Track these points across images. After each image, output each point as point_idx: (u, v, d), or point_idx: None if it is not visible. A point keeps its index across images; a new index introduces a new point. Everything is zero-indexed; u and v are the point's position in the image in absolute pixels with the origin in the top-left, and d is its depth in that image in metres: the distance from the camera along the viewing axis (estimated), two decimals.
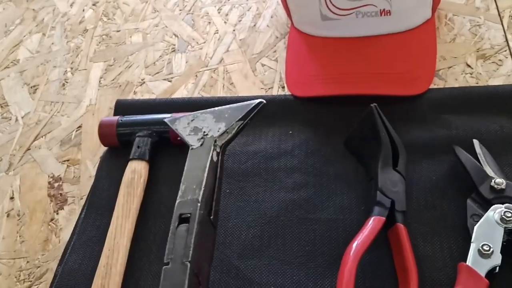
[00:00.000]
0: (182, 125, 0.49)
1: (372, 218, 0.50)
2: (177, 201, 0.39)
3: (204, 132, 0.45)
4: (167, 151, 0.63)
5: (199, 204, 0.37)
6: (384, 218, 0.50)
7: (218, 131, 0.45)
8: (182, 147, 0.62)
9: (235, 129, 0.47)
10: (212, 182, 0.39)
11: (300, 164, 0.60)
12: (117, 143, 0.64)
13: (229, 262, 0.53)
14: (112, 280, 0.51)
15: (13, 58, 0.84)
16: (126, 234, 0.55)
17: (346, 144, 0.60)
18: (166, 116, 0.63)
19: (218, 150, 0.42)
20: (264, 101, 0.51)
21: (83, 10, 0.90)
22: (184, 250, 0.35)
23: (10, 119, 0.75)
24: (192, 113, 0.51)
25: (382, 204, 0.51)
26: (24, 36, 0.88)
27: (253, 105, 0.47)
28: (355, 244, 0.48)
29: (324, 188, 0.57)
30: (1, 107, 0.77)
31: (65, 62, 0.82)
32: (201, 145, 0.43)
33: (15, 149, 0.71)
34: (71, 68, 0.80)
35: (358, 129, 0.57)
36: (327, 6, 0.64)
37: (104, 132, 0.64)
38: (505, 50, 0.67)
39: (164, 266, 0.37)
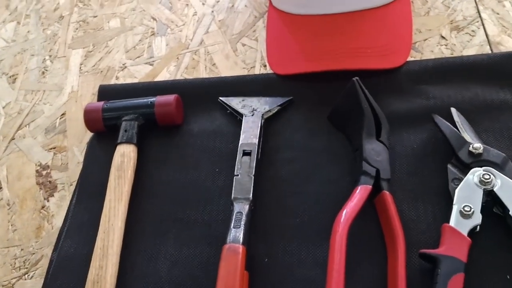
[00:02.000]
0: (235, 102, 0.64)
1: (359, 187, 0.52)
2: (240, 143, 0.59)
3: (253, 108, 0.63)
4: (154, 134, 0.64)
5: (256, 146, 0.59)
6: (370, 187, 0.52)
7: (264, 109, 0.63)
8: (169, 129, 0.63)
9: (274, 110, 0.63)
10: (260, 136, 0.60)
11: (285, 141, 0.61)
12: (104, 128, 0.64)
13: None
14: (109, 261, 0.53)
15: None
16: (120, 216, 0.56)
17: (330, 118, 0.61)
18: (151, 99, 0.64)
19: (263, 120, 0.62)
20: (292, 98, 0.64)
21: None
22: (248, 169, 0.56)
23: None
24: (241, 97, 0.65)
25: (368, 173, 0.53)
26: None
27: (287, 99, 0.64)
28: (344, 213, 0.50)
29: (310, 162, 0.59)
30: None
31: (43, 50, 0.81)
32: (252, 115, 0.62)
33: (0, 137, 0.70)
34: (50, 56, 0.80)
35: (341, 103, 0.59)
36: None
37: (90, 117, 0.64)
38: (477, 21, 0.69)
39: (235, 176, 0.56)
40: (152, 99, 0.64)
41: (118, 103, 0.65)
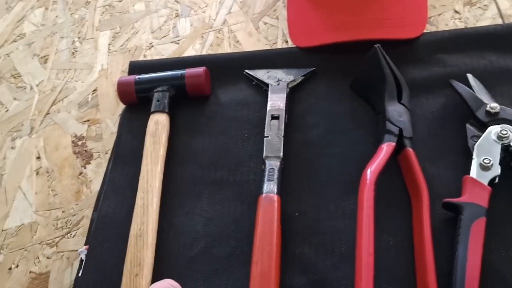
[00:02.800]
0: (260, 74, 0.68)
1: (384, 145, 0.55)
2: (268, 109, 0.63)
3: (278, 79, 0.66)
4: (184, 104, 0.67)
5: (283, 111, 0.62)
6: (394, 144, 0.55)
7: (289, 79, 0.66)
8: (199, 100, 0.67)
9: (299, 80, 0.67)
10: (287, 104, 0.63)
11: (310, 108, 0.65)
12: (136, 100, 0.68)
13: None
14: (150, 217, 0.56)
15: (19, 32, 0.87)
16: (157, 178, 0.59)
17: (352, 86, 0.65)
18: (181, 72, 0.67)
19: (288, 89, 0.65)
20: (315, 69, 0.67)
21: None
22: (278, 131, 0.60)
23: (25, 88, 0.78)
24: (266, 69, 0.68)
25: (391, 132, 0.56)
26: (27, 11, 0.90)
27: (310, 70, 0.67)
28: (370, 168, 0.53)
29: (335, 127, 0.62)
30: (14, 77, 0.80)
31: (71, 33, 0.84)
32: (278, 85, 0.65)
33: (34, 114, 0.74)
34: (79, 38, 0.83)
35: (364, 69, 0.62)
36: None
37: (123, 90, 0.68)
38: None
39: (265, 138, 0.60)
40: (182, 72, 0.67)
41: (149, 75, 0.68)
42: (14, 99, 0.76)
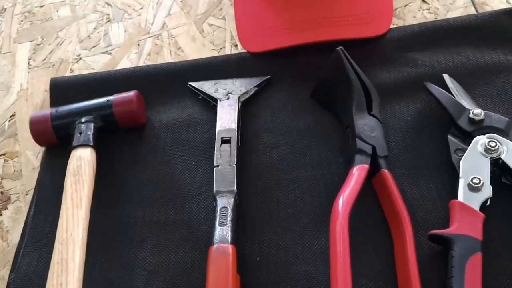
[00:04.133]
0: (207, 86, 0.58)
1: (355, 168, 0.46)
2: (217, 129, 0.53)
3: (228, 91, 0.57)
4: (115, 135, 0.56)
5: (235, 132, 0.53)
6: (367, 166, 0.47)
7: (240, 91, 0.57)
8: (131, 131, 0.56)
9: (252, 92, 0.58)
10: (239, 121, 0.54)
11: (266, 124, 0.55)
12: (56, 140, 0.56)
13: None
14: (70, 276, 0.45)
15: None
16: (80, 224, 0.48)
17: (314, 96, 0.56)
18: (109, 98, 0.56)
19: (240, 103, 0.56)
20: (270, 77, 0.58)
21: None
22: (230, 158, 0.51)
23: None
24: (213, 80, 0.59)
25: (363, 151, 0.47)
26: None
27: (265, 78, 0.58)
28: (342, 197, 0.44)
29: (297, 145, 0.53)
30: None
31: None
32: (228, 99, 0.56)
33: None
34: None
35: (326, 76, 0.53)
36: None
37: (38, 129, 0.56)
38: None
39: (215, 167, 0.50)
40: (109, 98, 0.56)
41: (70, 107, 0.56)
42: None
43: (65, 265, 0.45)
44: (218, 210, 0.45)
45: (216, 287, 0.40)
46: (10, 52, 0.70)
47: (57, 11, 0.74)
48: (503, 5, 0.61)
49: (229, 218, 0.44)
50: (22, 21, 0.74)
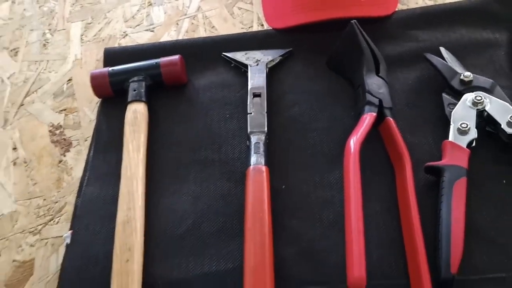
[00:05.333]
0: (239, 56, 0.68)
1: (365, 115, 0.57)
2: (249, 88, 0.63)
3: (257, 59, 0.67)
4: (162, 93, 0.66)
5: (265, 89, 0.63)
6: (375, 114, 0.57)
7: (267, 59, 0.67)
8: (176, 88, 0.66)
9: (277, 60, 0.68)
10: (266, 83, 0.65)
11: (289, 87, 0.65)
12: (112, 93, 0.66)
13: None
14: (136, 203, 0.55)
15: None
16: (140, 164, 0.58)
17: (329, 64, 0.66)
18: (156, 61, 0.66)
19: (267, 69, 0.66)
20: (292, 49, 0.69)
21: None
22: (260, 108, 0.61)
23: None
24: (243, 51, 0.69)
25: (372, 103, 0.58)
26: None
27: (287, 50, 0.68)
28: (354, 138, 0.54)
29: (314, 103, 0.63)
30: None
31: (41, 25, 0.83)
32: (257, 65, 0.66)
33: (7, 106, 0.72)
34: (49, 30, 0.82)
35: (340, 46, 0.64)
36: None
37: (97, 83, 0.66)
38: None
39: (249, 115, 0.60)
40: (157, 61, 0.66)
41: (124, 66, 0.67)
42: None
43: (131, 195, 0.55)
44: (252, 144, 0.56)
45: (254, 198, 0.50)
46: (64, 29, 0.81)
47: None
48: None
49: (261, 149, 0.54)
50: (73, 4, 0.85)
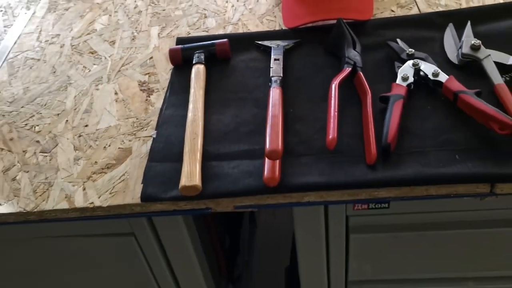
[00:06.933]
0: (266, 42, 1.03)
1: (344, 69, 0.90)
2: (272, 58, 0.99)
3: (277, 44, 1.02)
4: (215, 62, 1.01)
5: (281, 58, 0.98)
6: (350, 68, 0.91)
7: (284, 44, 1.02)
8: (225, 61, 1.02)
9: (291, 45, 1.03)
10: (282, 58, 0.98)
11: (298, 64, 1.00)
12: (181, 62, 1.02)
13: None
14: (199, 114, 0.88)
15: (91, 28, 1.22)
16: (201, 98, 0.92)
17: (325, 48, 1.01)
18: (212, 42, 1.02)
19: (284, 50, 1.00)
20: (301, 40, 1.03)
21: (135, 1, 1.30)
22: (278, 66, 0.97)
23: (101, 58, 1.12)
24: (269, 40, 1.04)
25: (349, 63, 0.92)
26: (95, 18, 1.26)
27: (297, 40, 1.03)
28: (336, 80, 0.88)
29: (314, 70, 0.97)
30: (92, 53, 1.14)
31: (130, 28, 1.20)
32: (277, 47, 1.02)
33: (109, 72, 1.07)
34: (136, 30, 1.19)
35: (333, 34, 0.99)
36: None
37: (173, 54, 1.02)
38: (413, 3, 1.11)
39: (271, 68, 0.96)
40: (213, 41, 1.03)
41: (191, 45, 1.03)
42: (94, 64, 1.10)
43: (195, 110, 0.88)
44: (273, 81, 0.90)
45: (274, 101, 0.83)
46: (146, 31, 1.19)
47: (174, 12, 1.23)
48: (436, 8, 1.07)
49: (278, 82, 0.88)
50: (152, 16, 1.23)
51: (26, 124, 0.98)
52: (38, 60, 1.15)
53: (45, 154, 0.91)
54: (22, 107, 1.03)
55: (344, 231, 0.93)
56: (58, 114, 0.99)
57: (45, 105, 1.02)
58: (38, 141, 0.94)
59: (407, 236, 0.93)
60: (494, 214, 0.87)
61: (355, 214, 0.90)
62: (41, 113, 1.00)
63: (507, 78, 0.86)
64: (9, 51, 1.20)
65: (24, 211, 0.83)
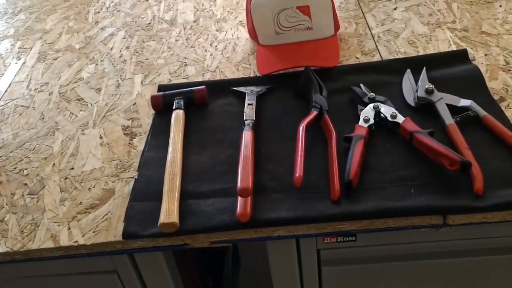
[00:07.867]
0: (241, 88, 1.12)
1: (311, 112, 0.99)
2: (246, 103, 1.08)
3: (251, 90, 1.11)
4: (193, 108, 1.09)
5: (254, 104, 1.07)
6: (317, 112, 0.99)
7: (257, 90, 1.12)
8: (202, 106, 1.10)
9: (263, 90, 1.12)
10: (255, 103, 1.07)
11: (270, 107, 1.08)
12: (162, 107, 1.10)
13: None
14: (177, 155, 0.95)
15: (79, 77, 1.31)
16: (180, 140, 1.00)
17: (295, 92, 1.10)
18: (190, 89, 1.11)
19: (257, 95, 1.10)
20: (273, 85, 1.13)
21: (120, 51, 1.39)
22: (252, 110, 1.06)
23: (87, 105, 1.19)
24: (243, 87, 1.13)
25: (316, 106, 1.00)
26: (83, 66, 1.35)
27: (269, 86, 1.13)
28: (303, 123, 0.96)
29: (285, 114, 1.05)
30: (79, 100, 1.21)
31: (115, 76, 1.29)
32: (251, 92, 1.10)
33: (95, 117, 1.14)
34: (121, 78, 1.27)
35: (301, 80, 1.08)
36: (278, 26, 1.18)
37: (155, 100, 1.10)
38: (376, 51, 1.22)
39: (245, 113, 1.05)
40: (191, 89, 1.11)
41: (171, 92, 1.12)
42: (81, 110, 1.18)
43: (174, 152, 0.96)
44: (245, 125, 0.98)
45: (245, 147, 0.90)
46: (130, 78, 1.27)
47: (156, 61, 1.32)
48: (396, 55, 1.17)
49: (250, 126, 0.96)
50: (136, 66, 1.32)
51: (15, 168, 1.04)
52: (28, 107, 1.22)
53: (33, 196, 0.97)
54: (11, 151, 1.09)
55: (316, 264, 0.99)
56: (46, 158, 1.05)
57: (33, 149, 1.08)
58: (26, 184, 1.00)
59: (374, 268, 0.99)
60: (451, 245, 0.94)
61: (326, 247, 0.96)
62: (29, 157, 1.06)
63: (458, 119, 0.95)
64: (0, 99, 1.27)
65: (11, 251, 0.87)
